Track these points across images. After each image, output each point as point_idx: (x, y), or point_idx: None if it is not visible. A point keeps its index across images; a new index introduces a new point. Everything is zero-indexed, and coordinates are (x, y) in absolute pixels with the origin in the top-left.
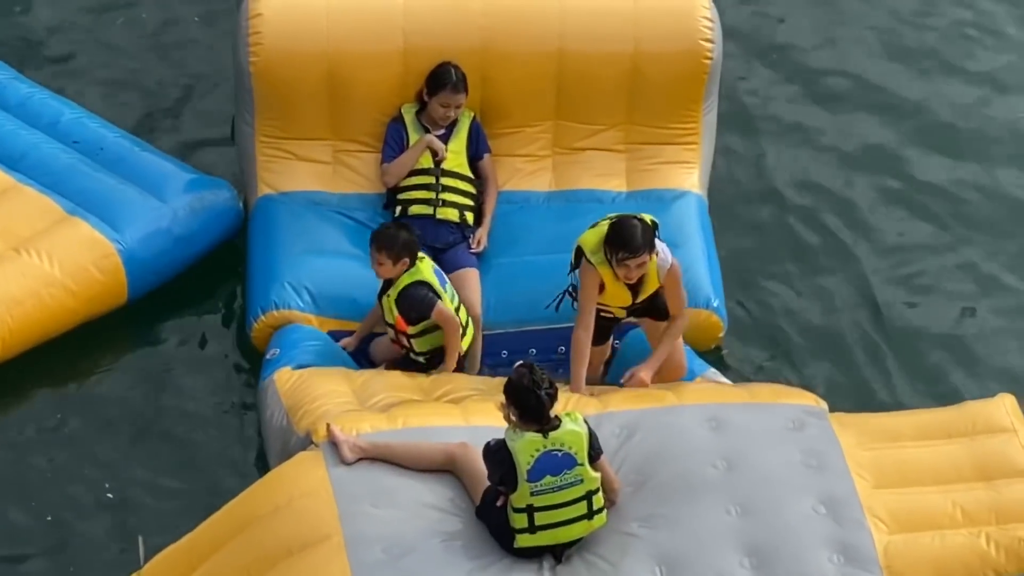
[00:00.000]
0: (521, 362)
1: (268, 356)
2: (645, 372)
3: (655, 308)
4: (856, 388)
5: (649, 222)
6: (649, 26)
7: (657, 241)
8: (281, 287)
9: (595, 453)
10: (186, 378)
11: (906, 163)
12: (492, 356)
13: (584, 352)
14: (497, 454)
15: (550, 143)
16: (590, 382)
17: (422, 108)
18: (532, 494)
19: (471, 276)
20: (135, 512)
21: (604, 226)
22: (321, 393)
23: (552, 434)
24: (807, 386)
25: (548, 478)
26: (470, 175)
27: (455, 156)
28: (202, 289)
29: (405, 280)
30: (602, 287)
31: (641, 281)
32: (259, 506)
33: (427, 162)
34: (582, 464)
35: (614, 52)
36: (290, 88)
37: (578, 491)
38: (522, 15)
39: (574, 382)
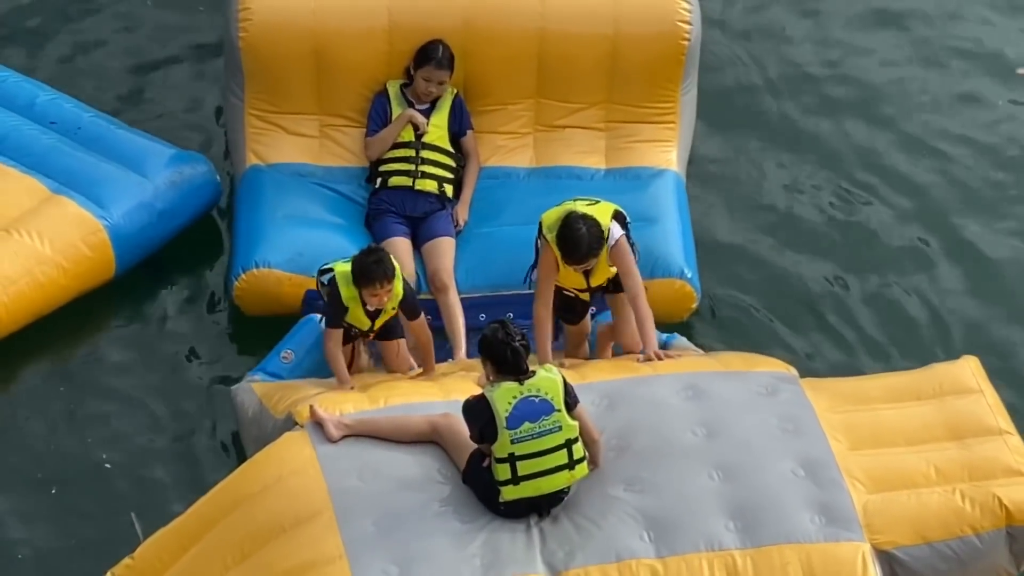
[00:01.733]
0: (492, 320)
1: (282, 357)
2: (653, 352)
3: (617, 286)
4: (824, 361)
5: (605, 218)
6: (629, 8)
7: (613, 224)
8: (264, 247)
9: (572, 401)
10: (171, 346)
11: (883, 146)
12: (471, 319)
13: (546, 326)
14: (476, 406)
15: (532, 120)
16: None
17: (408, 83)
18: (512, 442)
19: (446, 244)
20: (130, 486)
21: (566, 207)
22: (295, 383)
23: (528, 381)
24: (780, 357)
25: (527, 424)
26: (450, 149)
27: (436, 130)
28: (184, 261)
29: (399, 289)
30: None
31: (593, 268)
32: (248, 486)
33: (408, 135)
34: (559, 410)
35: (594, 33)
36: (278, 64)
37: (557, 438)
38: None
39: (541, 355)
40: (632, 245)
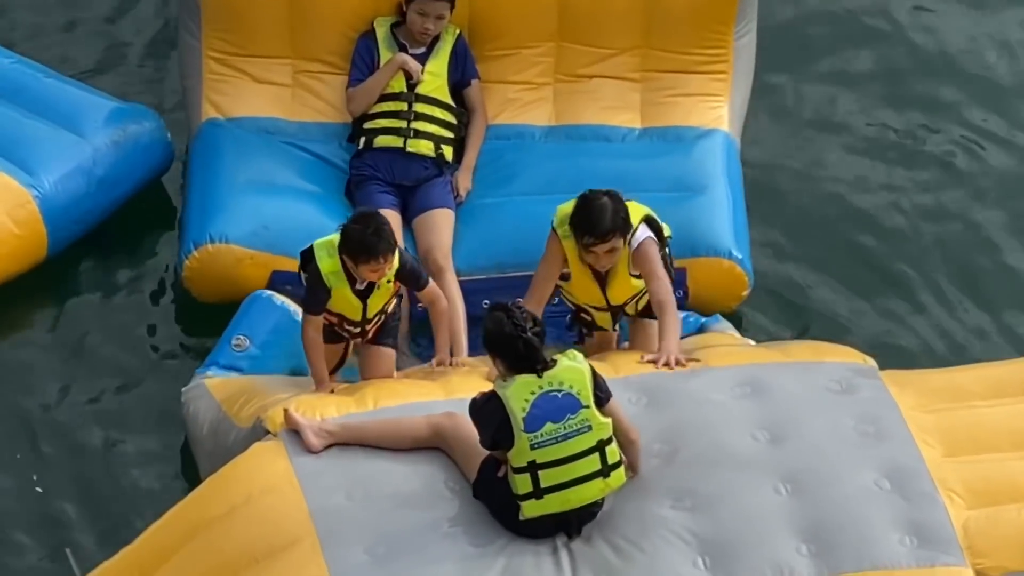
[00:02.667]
0: (492, 304)
1: (234, 344)
2: (670, 357)
3: (645, 312)
4: (905, 350)
5: (634, 217)
6: None
7: (641, 228)
8: (221, 219)
9: (603, 395)
10: (110, 344)
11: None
12: (472, 305)
13: None
14: (486, 406)
15: (551, 68)
16: None
17: (400, 21)
18: (532, 447)
19: (442, 217)
20: (62, 515)
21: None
22: (260, 383)
23: (548, 374)
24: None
25: (549, 425)
26: (450, 103)
27: (433, 79)
28: (129, 238)
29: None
30: (567, 274)
31: (608, 274)
32: (211, 508)
33: (399, 85)
34: (588, 406)
35: None
36: None
37: (587, 440)
38: None
39: None
40: (666, 260)
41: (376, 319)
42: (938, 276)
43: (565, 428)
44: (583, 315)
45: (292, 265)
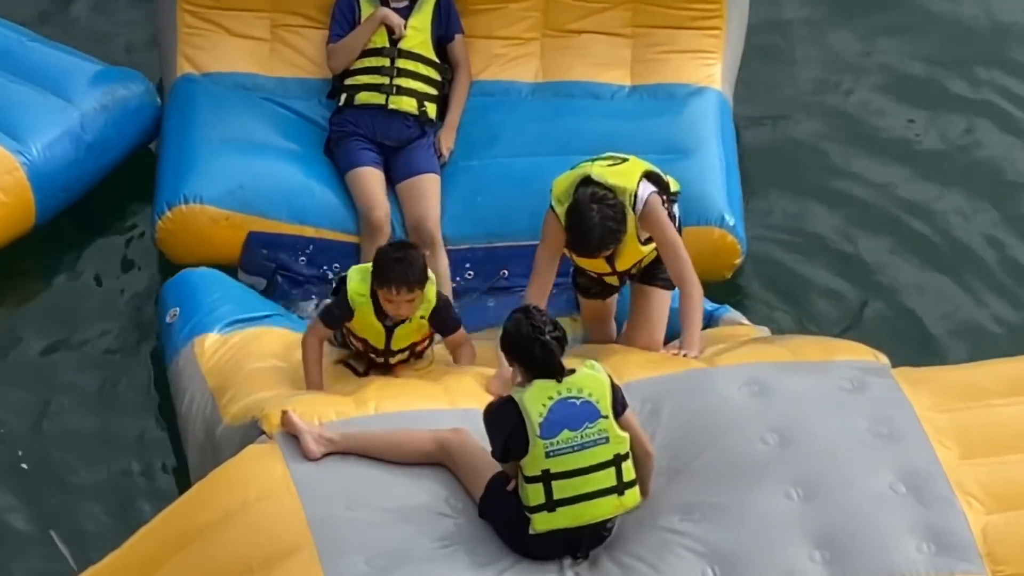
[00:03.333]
0: (514, 309)
1: (168, 319)
2: (695, 352)
3: (648, 275)
4: (913, 340)
5: (630, 181)
6: None
7: (642, 186)
8: (195, 178)
9: (620, 407)
10: (100, 312)
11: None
12: (457, 276)
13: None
14: (501, 410)
15: (539, 23)
16: (600, 342)
17: None
18: (548, 455)
19: (428, 184)
20: (45, 501)
21: (582, 171)
22: (256, 367)
23: (567, 380)
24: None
25: (566, 433)
26: (434, 59)
27: (416, 34)
28: (118, 205)
29: (431, 295)
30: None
31: (614, 251)
32: (205, 513)
33: (381, 41)
34: (606, 416)
35: None
36: None
37: (604, 452)
38: None
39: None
40: (673, 215)
41: (402, 354)
42: (946, 252)
43: (582, 437)
44: (590, 273)
45: (269, 226)
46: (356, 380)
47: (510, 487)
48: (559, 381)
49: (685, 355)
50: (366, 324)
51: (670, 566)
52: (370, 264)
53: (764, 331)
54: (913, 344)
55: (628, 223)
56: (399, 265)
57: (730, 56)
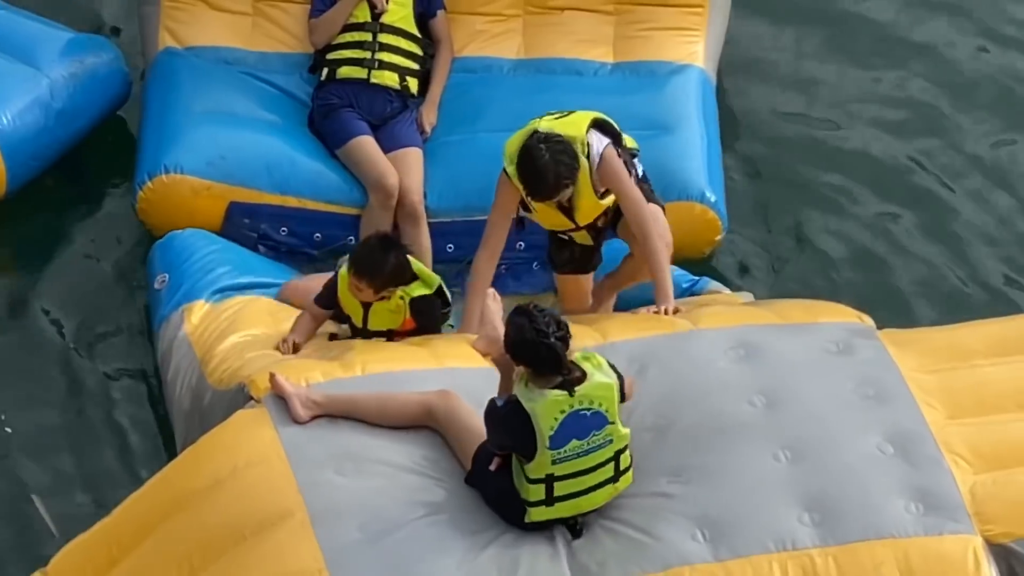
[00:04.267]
0: (514, 309)
1: (156, 285)
2: (667, 308)
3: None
4: (902, 307)
5: (579, 130)
6: None
7: (592, 135)
8: (176, 149)
9: (623, 398)
10: (73, 281)
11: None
12: (438, 250)
13: (483, 280)
14: (509, 419)
15: (521, 0)
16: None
17: None
18: (554, 462)
19: (412, 157)
20: (26, 473)
21: (530, 127)
22: (243, 335)
23: (579, 390)
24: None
25: (574, 443)
26: (416, 33)
27: (398, 9)
28: (87, 173)
29: (417, 290)
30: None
31: (571, 202)
32: (195, 479)
33: (363, 15)
34: (613, 423)
35: None
36: None
37: (606, 453)
38: None
39: (465, 323)
40: (630, 166)
41: (380, 338)
42: (928, 221)
43: (588, 444)
44: (560, 235)
45: (250, 196)
46: (344, 343)
47: (493, 467)
48: (571, 394)
49: (665, 310)
50: (347, 301)
51: (658, 529)
52: None
53: (748, 296)
54: (892, 311)
55: (581, 167)
56: (370, 257)
57: (713, 34)
